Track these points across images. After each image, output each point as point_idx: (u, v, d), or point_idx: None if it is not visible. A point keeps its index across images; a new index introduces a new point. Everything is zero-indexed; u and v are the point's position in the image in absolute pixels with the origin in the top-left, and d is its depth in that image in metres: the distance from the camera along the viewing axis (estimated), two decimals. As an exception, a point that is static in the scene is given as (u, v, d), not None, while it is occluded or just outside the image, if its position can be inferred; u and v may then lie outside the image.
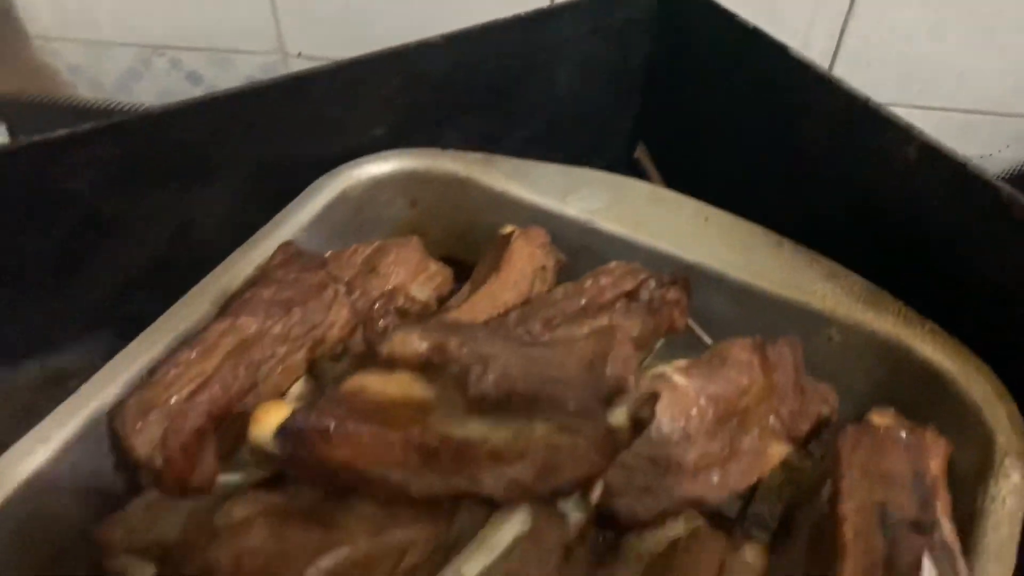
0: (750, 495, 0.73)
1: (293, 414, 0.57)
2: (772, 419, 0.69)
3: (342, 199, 0.88)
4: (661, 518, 0.63)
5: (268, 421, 0.57)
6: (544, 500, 0.56)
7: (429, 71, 0.88)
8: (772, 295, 0.79)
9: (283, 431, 0.57)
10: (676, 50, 0.98)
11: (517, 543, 0.54)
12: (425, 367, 0.60)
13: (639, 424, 0.58)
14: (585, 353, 0.60)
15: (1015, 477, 0.66)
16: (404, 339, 0.59)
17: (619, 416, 0.57)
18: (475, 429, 0.58)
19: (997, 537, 0.63)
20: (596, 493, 0.57)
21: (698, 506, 0.65)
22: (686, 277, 0.73)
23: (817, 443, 0.75)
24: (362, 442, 0.57)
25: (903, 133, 0.77)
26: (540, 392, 0.57)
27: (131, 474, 0.66)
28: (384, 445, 0.57)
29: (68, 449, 0.67)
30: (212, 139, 0.79)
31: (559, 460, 0.56)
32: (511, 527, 0.56)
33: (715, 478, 0.65)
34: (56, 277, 0.79)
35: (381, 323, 0.72)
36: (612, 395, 0.58)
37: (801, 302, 0.79)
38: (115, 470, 0.66)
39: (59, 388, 0.70)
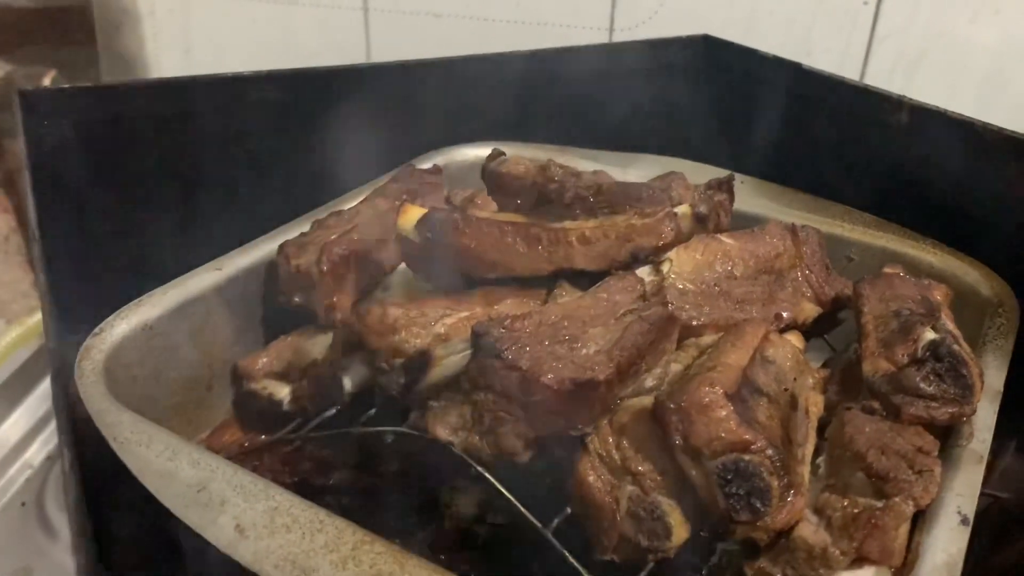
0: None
1: (431, 210, 0.74)
2: (803, 283, 0.84)
3: (443, 171, 1.08)
4: (712, 329, 0.77)
5: (412, 215, 0.74)
6: (625, 267, 0.72)
7: (515, 78, 1.12)
8: (799, 227, 0.96)
9: (423, 221, 0.73)
10: (714, 86, 1.22)
11: (606, 283, 0.69)
12: (530, 188, 0.77)
13: (699, 218, 0.75)
14: (654, 183, 0.78)
15: (1001, 319, 0.81)
16: (516, 160, 0.77)
17: (683, 208, 0.74)
18: (569, 223, 0.75)
19: (996, 356, 0.77)
20: (665, 267, 0.72)
21: (744, 331, 0.79)
22: (730, 180, 0.89)
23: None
24: (482, 231, 0.73)
25: (895, 103, 0.98)
26: (620, 191, 0.74)
27: (287, 298, 0.82)
28: (499, 233, 0.74)
29: (235, 280, 0.83)
30: (347, 101, 1.02)
31: (636, 234, 0.72)
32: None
33: (755, 311, 0.79)
34: (223, 203, 0.98)
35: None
36: (676, 202, 0.75)
37: (823, 231, 0.95)
38: (277, 295, 0.82)
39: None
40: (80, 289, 0.83)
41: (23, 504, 1.14)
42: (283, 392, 0.82)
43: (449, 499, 0.73)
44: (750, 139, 1.11)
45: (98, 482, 0.63)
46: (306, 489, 0.78)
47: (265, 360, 0.83)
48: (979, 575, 0.74)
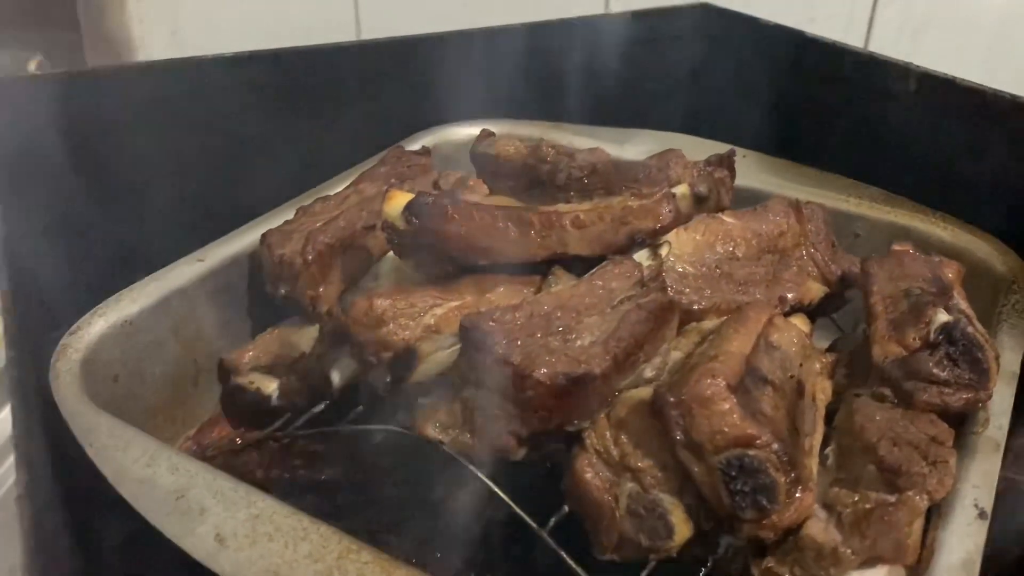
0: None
1: (418, 195, 0.71)
2: (808, 261, 0.81)
3: (433, 153, 1.05)
4: (715, 313, 0.74)
5: (398, 201, 0.71)
6: (622, 251, 0.69)
7: (510, 53, 1.08)
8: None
9: (410, 207, 0.70)
10: (714, 57, 1.18)
11: (601, 269, 0.66)
12: (522, 169, 0.74)
13: (699, 198, 0.71)
14: (650, 161, 0.75)
15: (1016, 296, 0.77)
16: (506, 141, 0.73)
17: (682, 188, 0.71)
18: (562, 206, 0.71)
19: (1011, 336, 0.74)
20: (664, 251, 0.69)
21: (748, 314, 0.76)
22: (731, 156, 0.86)
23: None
24: (472, 217, 0.70)
25: (902, 71, 0.94)
26: (616, 171, 0.71)
27: (272, 289, 0.79)
28: (490, 219, 0.70)
29: (218, 272, 0.81)
30: (335, 81, 0.98)
31: (633, 216, 0.69)
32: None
33: (758, 293, 0.76)
34: (207, 186, 0.94)
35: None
36: (675, 182, 0.72)
37: (829, 207, 0.92)
38: (262, 286, 0.79)
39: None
40: (61, 284, 0.80)
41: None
42: (271, 386, 0.80)
43: (443, 496, 0.71)
44: (752, 111, 1.07)
45: (82, 485, 0.60)
46: (296, 485, 0.76)
47: (252, 354, 0.81)
48: (996, 561, 0.72)
